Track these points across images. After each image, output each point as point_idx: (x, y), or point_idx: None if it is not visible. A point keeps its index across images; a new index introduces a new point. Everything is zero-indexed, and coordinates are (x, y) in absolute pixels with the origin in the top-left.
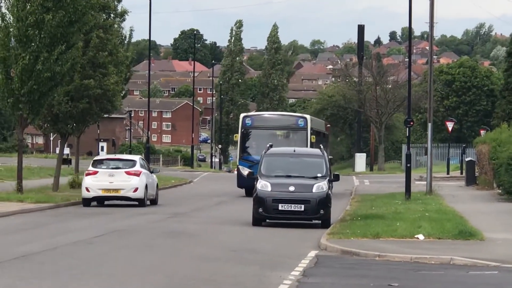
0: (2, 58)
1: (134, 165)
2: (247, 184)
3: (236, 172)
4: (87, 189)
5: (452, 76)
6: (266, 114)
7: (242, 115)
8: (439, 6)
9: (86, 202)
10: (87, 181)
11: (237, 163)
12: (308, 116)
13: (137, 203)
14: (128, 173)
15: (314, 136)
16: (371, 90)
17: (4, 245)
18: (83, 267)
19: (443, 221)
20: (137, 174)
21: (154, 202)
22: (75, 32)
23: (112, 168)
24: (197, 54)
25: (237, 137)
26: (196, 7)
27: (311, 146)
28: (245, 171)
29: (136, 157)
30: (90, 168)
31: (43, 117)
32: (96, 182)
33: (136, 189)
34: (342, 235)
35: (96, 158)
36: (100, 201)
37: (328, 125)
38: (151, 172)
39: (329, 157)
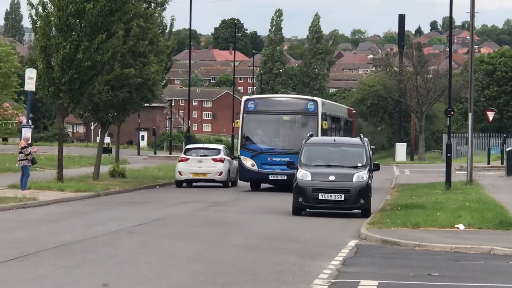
0: (43, 47)
1: (219, 153)
2: (251, 177)
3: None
4: (180, 173)
5: (493, 66)
6: (271, 97)
7: (244, 97)
8: None
9: (179, 183)
10: (180, 166)
11: (238, 153)
12: (319, 99)
13: (221, 184)
14: (214, 159)
15: (326, 122)
16: (411, 79)
17: (44, 233)
18: (123, 256)
19: (484, 211)
20: (222, 161)
21: (234, 183)
22: (115, 21)
23: (201, 156)
24: (237, 43)
25: (239, 123)
26: None
27: (323, 133)
28: (248, 162)
29: (221, 146)
30: (182, 155)
31: (83, 106)
32: (187, 167)
33: (220, 173)
34: (382, 225)
35: (187, 147)
36: (189, 183)
37: (353, 111)
38: (232, 159)
39: (371, 146)
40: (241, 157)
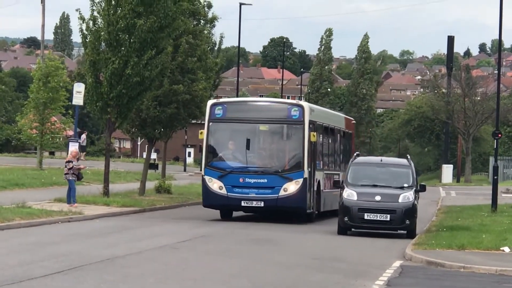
0: (92, 61)
1: None
2: (218, 202)
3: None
4: None
5: None
6: (244, 100)
7: (209, 102)
8: None
9: None
10: None
11: (203, 173)
12: (305, 104)
13: None
14: None
15: (314, 134)
16: (459, 101)
17: (89, 248)
18: (167, 272)
19: None
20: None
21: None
22: (164, 38)
23: None
24: (286, 61)
25: (203, 134)
26: (286, 15)
27: (310, 147)
28: (214, 184)
29: None
30: None
31: (131, 122)
32: None
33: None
34: (427, 246)
35: None
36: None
37: (353, 121)
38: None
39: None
40: (206, 177)
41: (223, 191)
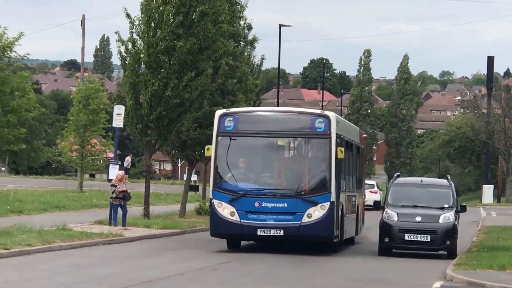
0: (132, 84)
1: (373, 187)
2: (230, 231)
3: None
4: None
5: None
6: (259, 110)
7: (218, 112)
8: None
9: None
10: None
11: (210, 195)
12: (331, 114)
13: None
14: (371, 191)
15: (342, 149)
16: (499, 121)
17: (130, 270)
18: None
19: None
20: (376, 192)
21: None
22: (204, 59)
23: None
24: (326, 83)
25: (210, 150)
26: (325, 36)
27: (337, 164)
28: (225, 209)
29: (374, 182)
30: None
31: (171, 143)
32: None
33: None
34: (468, 267)
35: None
36: None
37: (364, 135)
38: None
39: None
40: (214, 201)
41: (235, 218)
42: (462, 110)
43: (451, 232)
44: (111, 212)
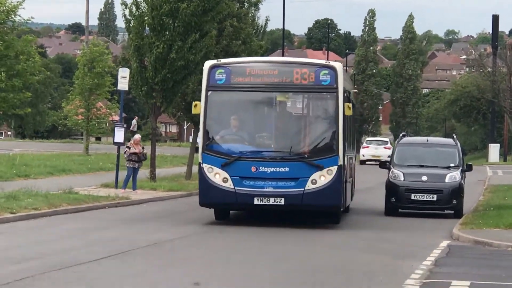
0: (137, 46)
1: (387, 143)
2: (222, 200)
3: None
4: (363, 155)
5: None
6: (255, 61)
7: (208, 63)
8: None
9: (362, 162)
10: (363, 151)
11: (200, 159)
12: (338, 66)
13: None
14: (385, 147)
15: (349, 105)
16: (505, 80)
17: (137, 232)
18: (213, 255)
19: None
20: (390, 148)
21: None
22: (208, 21)
23: (376, 144)
24: (331, 43)
25: (198, 107)
26: None
27: (344, 123)
28: (216, 174)
29: (387, 139)
30: (365, 144)
31: (176, 106)
32: (367, 152)
33: (388, 156)
34: (475, 226)
35: (367, 139)
36: (369, 161)
37: (355, 90)
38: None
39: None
40: (204, 166)
41: (229, 185)
42: (467, 69)
43: (457, 191)
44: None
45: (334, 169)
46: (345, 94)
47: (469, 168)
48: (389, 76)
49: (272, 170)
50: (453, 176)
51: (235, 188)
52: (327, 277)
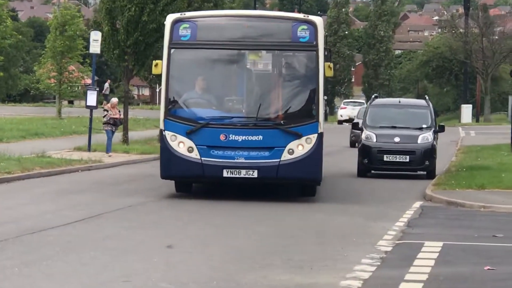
0: (108, 9)
1: (363, 104)
2: (187, 173)
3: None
4: (341, 115)
5: None
6: (224, 15)
7: (170, 17)
8: None
9: (340, 122)
10: (341, 112)
11: (161, 125)
12: (318, 20)
13: None
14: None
15: (331, 65)
16: (477, 41)
17: (110, 196)
18: (187, 218)
19: None
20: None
21: None
22: None
23: (353, 105)
24: (302, 5)
25: (159, 66)
26: None
27: (325, 83)
28: (180, 143)
29: (363, 100)
30: (342, 105)
31: (148, 69)
32: (345, 112)
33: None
34: (447, 186)
35: (345, 100)
36: (346, 122)
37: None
38: None
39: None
40: (167, 133)
41: (195, 155)
42: (439, 30)
43: (430, 152)
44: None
45: (313, 137)
46: (325, 53)
47: (442, 129)
48: (361, 38)
49: (243, 139)
50: (425, 137)
51: (202, 158)
52: (302, 239)
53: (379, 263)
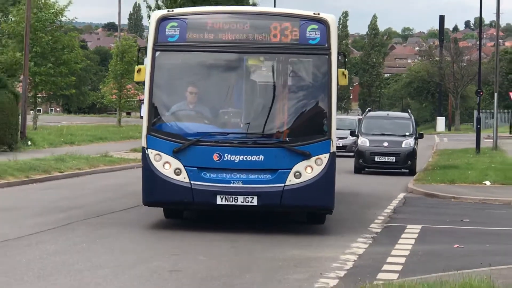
0: None
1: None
2: (174, 198)
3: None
4: None
5: None
6: (219, 11)
7: (156, 14)
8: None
9: None
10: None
11: (143, 142)
12: (330, 18)
13: None
14: None
15: (345, 72)
16: (449, 67)
17: None
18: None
19: (506, 171)
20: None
21: None
22: None
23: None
24: None
25: (142, 72)
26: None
27: (336, 96)
28: (166, 164)
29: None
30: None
31: None
32: None
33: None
34: (425, 181)
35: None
36: None
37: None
38: None
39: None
40: (150, 152)
41: (183, 178)
42: (419, 58)
43: (411, 154)
44: None
45: (324, 157)
46: (339, 58)
47: (421, 136)
48: (357, 64)
49: (241, 159)
50: (408, 142)
51: (191, 182)
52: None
53: (371, 242)
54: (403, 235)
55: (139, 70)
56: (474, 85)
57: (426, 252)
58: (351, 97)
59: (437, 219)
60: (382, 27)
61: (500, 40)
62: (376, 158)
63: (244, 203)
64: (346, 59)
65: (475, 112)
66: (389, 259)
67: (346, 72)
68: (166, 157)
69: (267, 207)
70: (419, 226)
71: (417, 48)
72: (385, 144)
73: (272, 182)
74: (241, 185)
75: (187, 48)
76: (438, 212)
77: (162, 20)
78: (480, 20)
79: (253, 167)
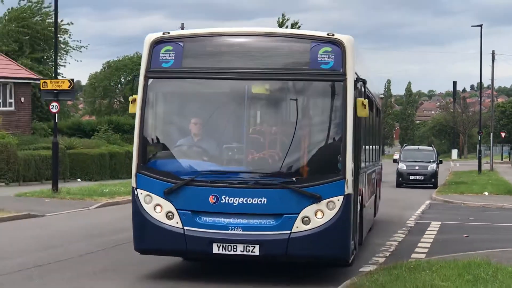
0: None
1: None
2: (165, 245)
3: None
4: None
5: (505, 108)
6: (219, 33)
7: (150, 37)
8: (498, 69)
9: (395, 161)
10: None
11: (133, 182)
12: (346, 38)
13: None
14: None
15: (365, 101)
16: (460, 116)
17: None
18: None
19: (499, 185)
20: None
21: None
22: None
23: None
24: None
25: (135, 104)
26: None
27: (355, 128)
28: (156, 206)
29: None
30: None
31: None
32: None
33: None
34: (444, 192)
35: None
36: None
37: (381, 95)
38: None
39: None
40: (140, 192)
41: (175, 223)
42: (440, 110)
43: (435, 174)
44: None
45: (338, 200)
46: (358, 85)
47: (441, 162)
48: (398, 114)
49: (241, 202)
50: (432, 167)
51: (184, 228)
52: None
53: (407, 233)
54: (429, 228)
55: (133, 101)
56: (477, 127)
57: (444, 240)
58: (394, 137)
59: (452, 218)
60: (414, 89)
61: (494, 97)
62: (411, 177)
63: (244, 253)
64: (367, 88)
65: (478, 146)
66: (419, 245)
67: (365, 101)
68: (157, 199)
69: (270, 257)
70: (440, 223)
71: (438, 104)
72: (416, 167)
73: (277, 229)
74: (241, 232)
75: (183, 75)
76: (453, 213)
77: (156, 43)
78: (480, 84)
79: (254, 211)
